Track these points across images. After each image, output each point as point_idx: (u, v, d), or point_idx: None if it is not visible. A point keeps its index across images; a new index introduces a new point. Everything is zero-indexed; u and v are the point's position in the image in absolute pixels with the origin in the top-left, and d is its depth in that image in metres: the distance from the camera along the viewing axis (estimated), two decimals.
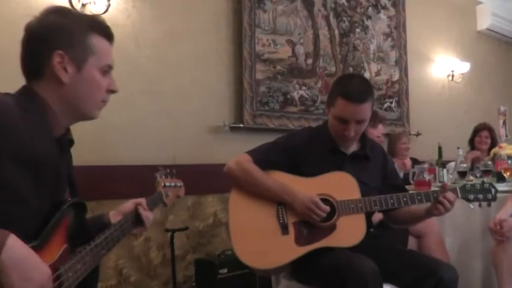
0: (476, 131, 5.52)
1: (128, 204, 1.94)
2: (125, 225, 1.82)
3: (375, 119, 4.05)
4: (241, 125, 4.54)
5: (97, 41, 1.56)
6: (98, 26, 1.58)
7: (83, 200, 1.59)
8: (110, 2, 3.69)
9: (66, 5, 3.56)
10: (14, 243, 1.24)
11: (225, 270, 3.81)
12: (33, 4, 3.42)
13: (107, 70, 1.60)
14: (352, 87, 2.47)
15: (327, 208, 2.42)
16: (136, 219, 1.91)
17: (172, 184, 2.31)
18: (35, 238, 1.37)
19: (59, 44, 1.49)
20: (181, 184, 2.39)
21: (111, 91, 1.62)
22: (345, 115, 2.47)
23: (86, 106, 1.57)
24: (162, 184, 2.24)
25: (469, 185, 2.51)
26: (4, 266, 1.21)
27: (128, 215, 1.87)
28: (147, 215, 1.94)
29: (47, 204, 1.45)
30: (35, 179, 1.38)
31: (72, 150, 1.66)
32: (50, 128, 1.49)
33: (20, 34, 1.49)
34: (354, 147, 2.64)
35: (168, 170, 2.32)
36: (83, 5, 3.64)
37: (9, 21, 3.33)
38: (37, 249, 1.33)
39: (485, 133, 5.44)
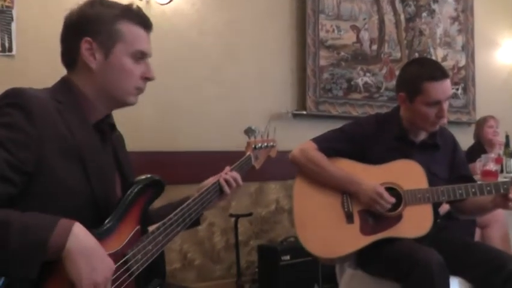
0: None
1: (210, 179, 1.89)
2: (206, 197, 1.77)
3: None
4: (304, 112, 4.52)
5: (126, 28, 1.55)
6: (128, 14, 1.58)
7: (159, 178, 1.55)
8: None
9: None
10: (80, 231, 1.25)
11: (288, 257, 3.82)
12: None
13: (140, 57, 1.59)
14: (432, 67, 2.45)
15: (392, 199, 2.38)
16: (220, 191, 1.85)
17: (264, 145, 2.21)
18: (101, 225, 1.38)
19: (86, 31, 1.51)
20: (274, 144, 2.29)
21: (147, 78, 1.61)
22: (439, 96, 2.39)
23: (117, 92, 1.57)
24: (253, 146, 2.14)
25: None
26: (70, 253, 1.22)
27: (210, 187, 1.81)
28: (233, 176, 1.88)
29: (103, 190, 1.46)
30: (81, 167, 1.41)
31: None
32: (84, 114, 1.51)
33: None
34: (423, 135, 2.57)
35: (260, 129, 2.20)
36: None
37: (55, 17, 3.32)
38: (102, 237, 1.34)
39: None
